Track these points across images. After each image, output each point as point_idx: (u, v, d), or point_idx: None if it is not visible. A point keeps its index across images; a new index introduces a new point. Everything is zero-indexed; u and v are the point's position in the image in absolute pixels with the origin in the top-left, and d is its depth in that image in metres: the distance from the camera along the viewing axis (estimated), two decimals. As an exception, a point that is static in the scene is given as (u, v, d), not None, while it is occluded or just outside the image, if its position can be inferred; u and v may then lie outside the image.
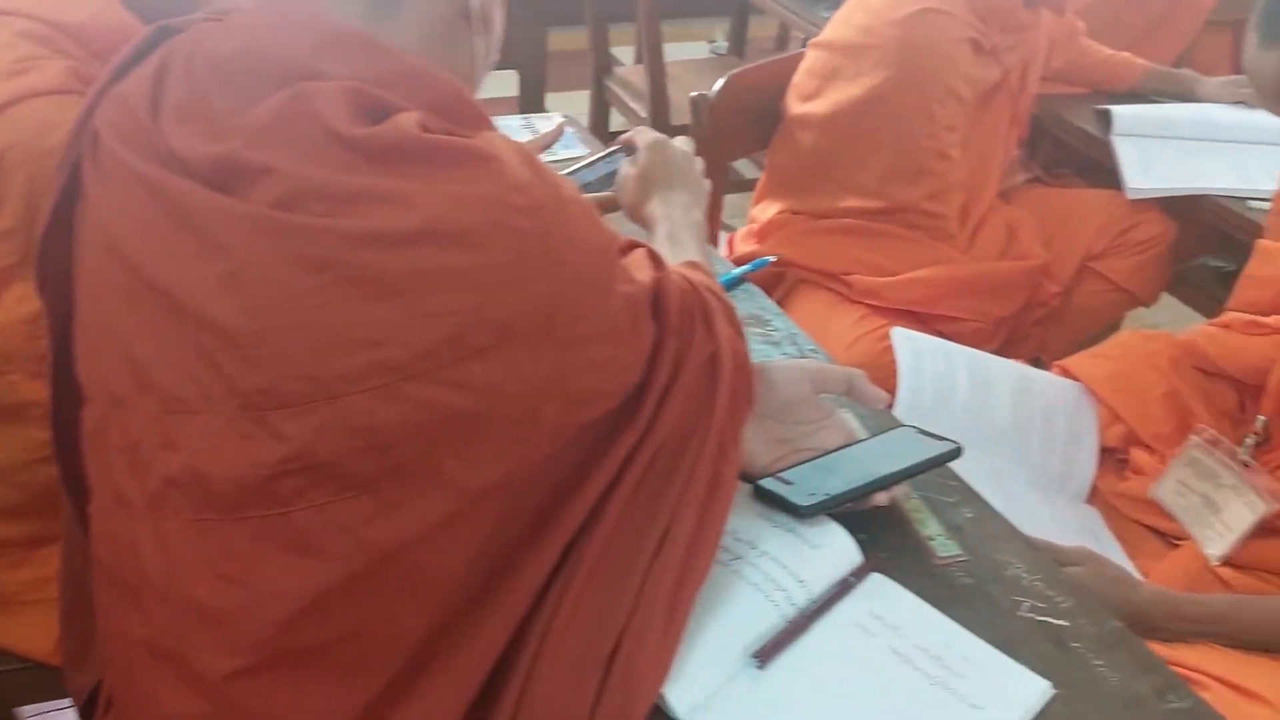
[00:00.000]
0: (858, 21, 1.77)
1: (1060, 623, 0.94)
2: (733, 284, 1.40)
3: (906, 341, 1.45)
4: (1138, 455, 1.41)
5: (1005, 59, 1.79)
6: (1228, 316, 1.41)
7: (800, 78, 1.86)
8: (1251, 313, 1.36)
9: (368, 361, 0.69)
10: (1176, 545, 1.34)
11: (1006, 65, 1.80)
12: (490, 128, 0.79)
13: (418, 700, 0.79)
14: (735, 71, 1.96)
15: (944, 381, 1.42)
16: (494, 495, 0.77)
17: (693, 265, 1.05)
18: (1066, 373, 1.51)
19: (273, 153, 0.70)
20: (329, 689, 0.77)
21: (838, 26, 1.81)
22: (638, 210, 1.22)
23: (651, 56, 2.71)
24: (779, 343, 1.30)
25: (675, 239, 1.15)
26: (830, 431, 1.06)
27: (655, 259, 0.90)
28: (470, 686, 0.80)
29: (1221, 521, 1.28)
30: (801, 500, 0.98)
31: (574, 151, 1.69)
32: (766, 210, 1.95)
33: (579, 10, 2.95)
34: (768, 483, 1.01)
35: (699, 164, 1.27)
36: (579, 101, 3.34)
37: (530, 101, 2.59)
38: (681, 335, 0.88)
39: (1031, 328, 1.89)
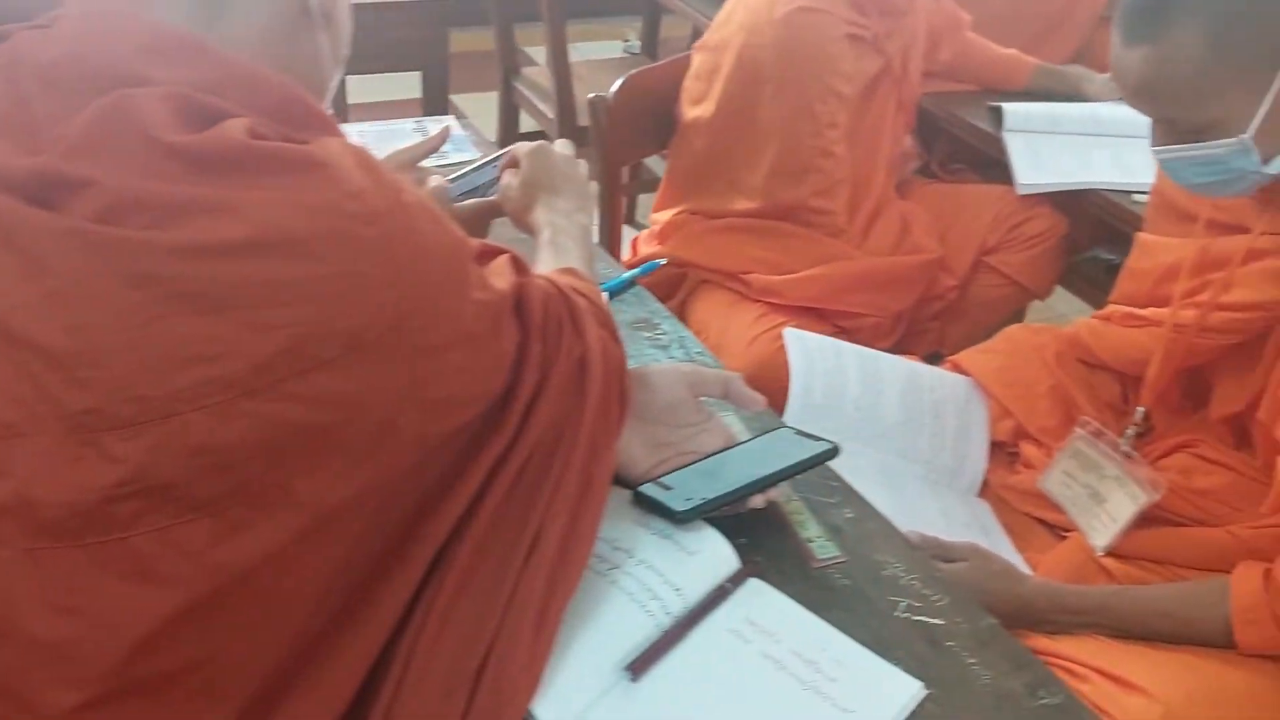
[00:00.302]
0: (738, 21, 1.77)
1: (935, 621, 0.95)
2: (623, 287, 1.39)
3: (797, 341, 1.46)
4: (1027, 448, 1.43)
5: (886, 47, 1.80)
6: (1109, 309, 1.43)
7: (689, 81, 1.85)
8: (1130, 305, 1.38)
9: (202, 378, 0.67)
10: (1064, 537, 1.36)
11: (888, 53, 1.81)
12: (332, 131, 0.77)
13: None
14: (633, 73, 1.95)
15: (834, 379, 1.43)
16: (351, 510, 0.75)
17: (568, 271, 1.05)
18: (958, 368, 1.53)
19: (92, 164, 0.67)
20: (182, 718, 0.74)
21: (719, 28, 1.81)
22: (522, 217, 1.21)
23: (556, 57, 2.69)
24: (667, 346, 1.29)
25: (558, 245, 1.14)
26: (710, 434, 1.06)
27: (518, 265, 0.89)
28: (335, 707, 0.78)
29: (1105, 512, 1.31)
30: (678, 505, 0.97)
31: (466, 155, 1.67)
32: (666, 212, 1.95)
33: (485, 11, 2.92)
34: (647, 488, 1.00)
35: (583, 166, 1.26)
36: (489, 103, 3.31)
37: (433, 103, 2.55)
38: (547, 339, 0.87)
39: (929, 322, 1.91)
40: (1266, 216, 1.15)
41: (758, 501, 1.00)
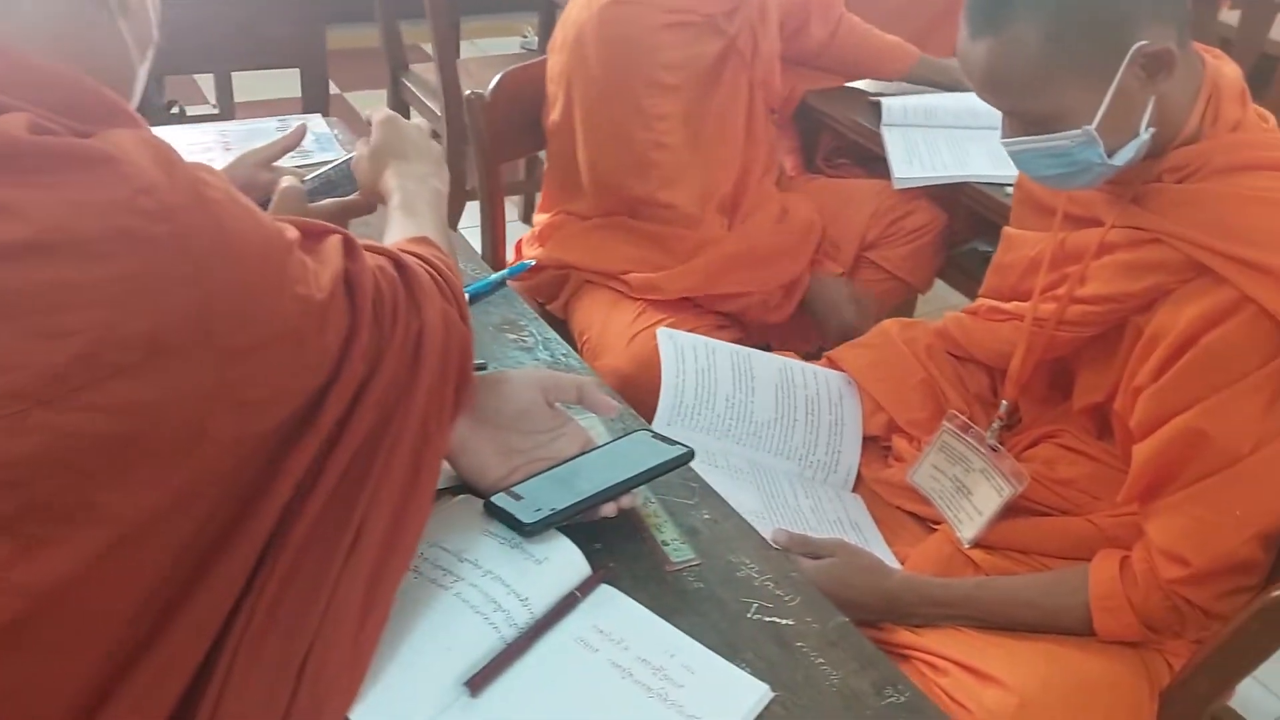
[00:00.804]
0: (570, 19, 1.76)
1: (786, 622, 0.94)
2: (490, 289, 1.36)
3: (669, 340, 1.44)
4: (899, 442, 1.44)
5: (726, 26, 1.77)
6: (977, 303, 1.44)
7: (547, 83, 1.83)
8: (996, 299, 1.39)
9: None
10: (934, 529, 1.36)
11: (730, 33, 1.78)
12: (130, 124, 0.72)
13: None
14: (510, 70, 1.92)
15: (706, 378, 1.42)
16: (163, 519, 0.71)
17: (420, 240, 1.02)
18: (833, 363, 1.53)
19: None
20: None
21: (560, 28, 1.79)
22: (374, 185, 1.18)
23: (443, 53, 2.64)
24: (532, 348, 1.27)
25: (410, 209, 1.11)
26: (566, 439, 1.04)
27: (349, 247, 0.85)
28: (161, 712, 0.75)
29: (972, 504, 1.31)
30: (526, 517, 0.95)
31: (331, 155, 1.63)
32: (545, 214, 1.92)
33: (371, 7, 2.86)
34: (498, 498, 0.98)
35: (436, 146, 1.24)
36: (379, 100, 3.25)
37: (313, 101, 2.48)
38: (380, 325, 0.85)
39: (809, 317, 1.91)
40: (1117, 209, 1.16)
41: (609, 510, 0.98)
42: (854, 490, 1.45)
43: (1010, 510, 1.30)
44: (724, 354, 1.46)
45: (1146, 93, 1.06)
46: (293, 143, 1.37)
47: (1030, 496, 1.30)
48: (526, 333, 1.30)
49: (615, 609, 0.92)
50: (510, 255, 1.98)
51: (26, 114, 0.66)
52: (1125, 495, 1.14)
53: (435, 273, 0.96)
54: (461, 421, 1.00)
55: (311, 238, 0.84)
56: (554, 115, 1.80)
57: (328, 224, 0.87)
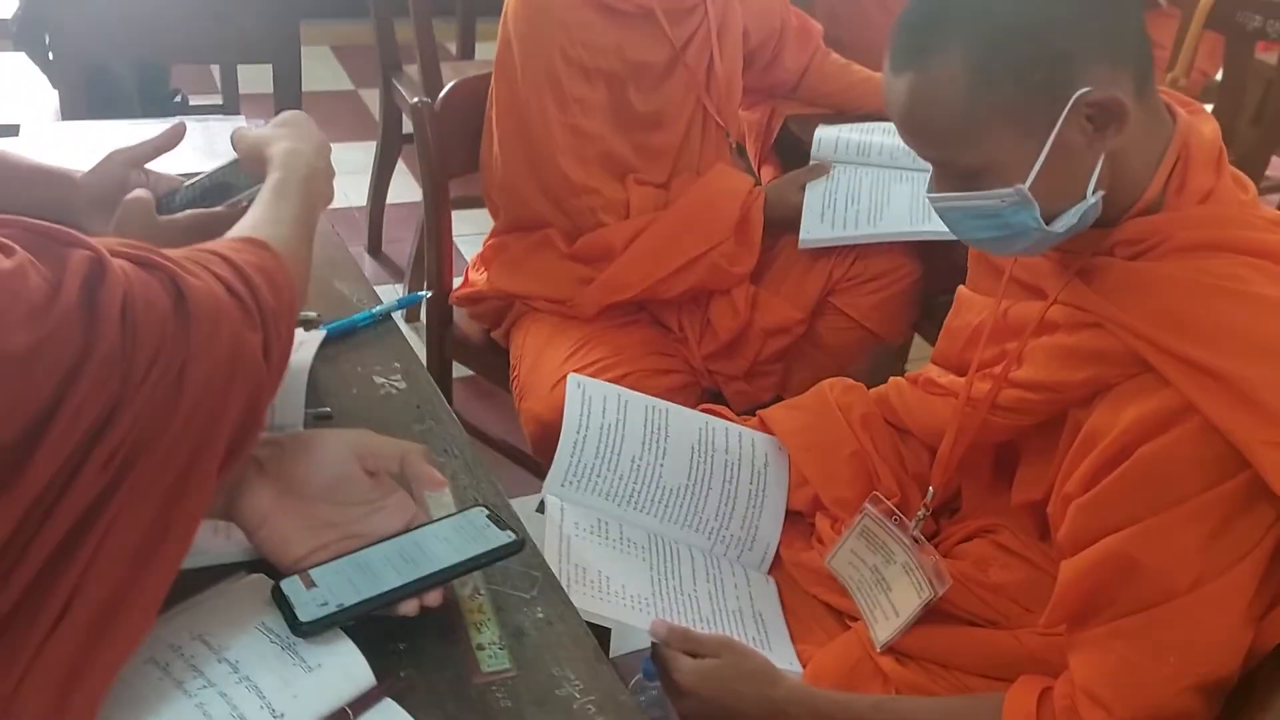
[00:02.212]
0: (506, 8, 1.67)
1: (596, 760, 0.79)
2: (374, 321, 1.22)
3: (576, 389, 1.30)
4: (821, 522, 1.28)
5: (671, 29, 1.65)
6: (918, 370, 1.28)
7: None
8: (944, 366, 1.23)
9: None
10: (850, 626, 1.20)
11: (677, 43, 1.66)
12: None
13: None
14: (463, 78, 1.79)
15: (612, 434, 1.27)
16: None
17: (249, 241, 0.88)
18: (764, 424, 1.37)
19: None
20: None
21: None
22: (260, 150, 1.05)
23: (425, 55, 2.52)
24: (406, 403, 1.12)
25: (283, 193, 0.99)
26: (387, 514, 0.90)
27: (96, 273, 0.71)
28: None
29: (890, 602, 1.15)
30: (306, 614, 0.81)
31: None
32: (492, 237, 1.79)
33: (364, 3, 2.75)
34: (286, 583, 0.84)
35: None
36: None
37: (286, 98, 2.37)
38: (126, 365, 0.71)
39: (772, 364, 1.75)
40: (1062, 281, 0.99)
41: (409, 609, 0.84)
42: (770, 572, 1.29)
43: (931, 614, 1.13)
44: (638, 407, 1.30)
45: (1094, 149, 0.90)
46: (166, 144, 1.23)
47: (955, 601, 1.13)
48: (399, 380, 1.16)
49: (391, 732, 0.78)
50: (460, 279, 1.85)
51: None
52: (1049, 617, 0.98)
53: (244, 289, 0.82)
54: (266, 490, 0.87)
55: (49, 261, 0.70)
56: (492, 113, 1.68)
57: (74, 236, 0.73)
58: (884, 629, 1.14)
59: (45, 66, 2.42)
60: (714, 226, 1.66)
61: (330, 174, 1.09)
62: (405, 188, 3.27)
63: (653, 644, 1.11)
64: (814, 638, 1.20)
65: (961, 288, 1.25)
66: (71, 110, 2.25)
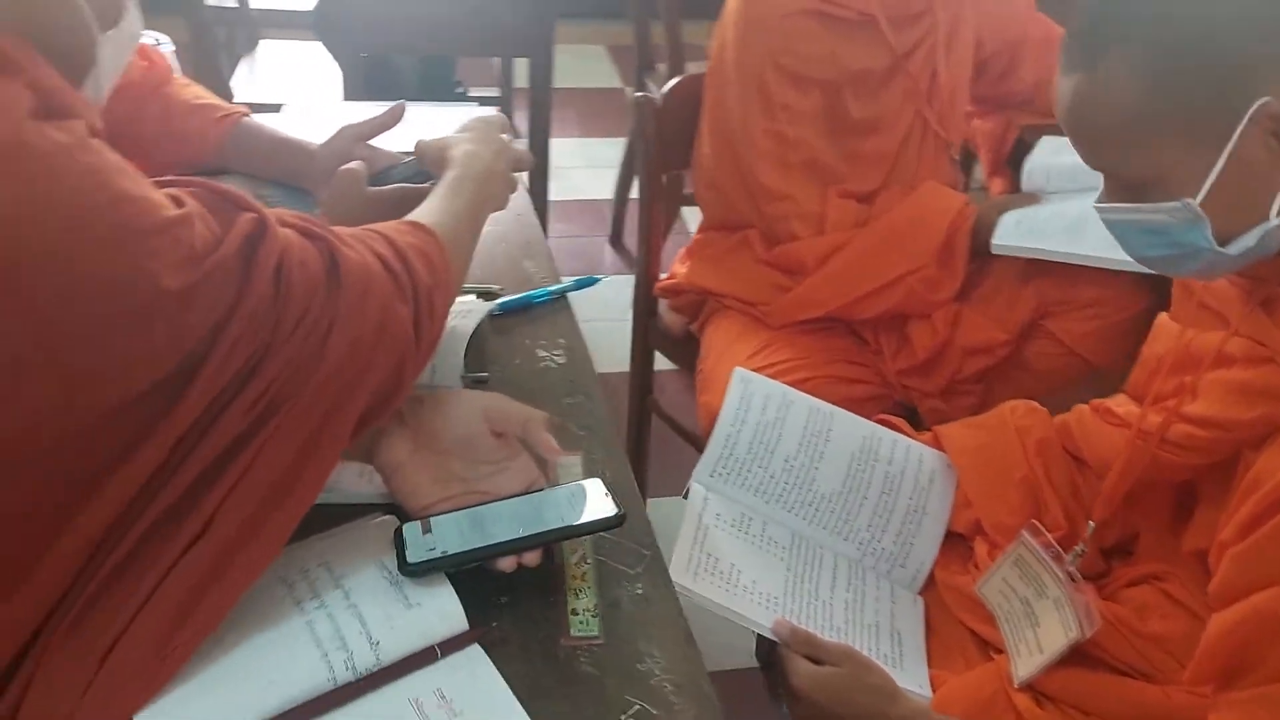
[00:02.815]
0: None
1: (660, 736, 0.80)
2: (546, 299, 1.28)
3: (740, 384, 1.30)
4: (979, 547, 1.22)
5: (894, 38, 1.60)
6: (1112, 398, 1.20)
7: None
8: (1132, 395, 1.15)
9: None
10: (994, 659, 1.14)
11: (899, 51, 1.61)
12: (15, 72, 0.72)
13: None
14: (686, 75, 1.82)
15: (769, 433, 1.26)
16: None
17: (414, 225, 0.96)
18: (937, 440, 1.32)
19: None
20: None
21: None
22: (443, 151, 1.13)
23: (673, 54, 2.59)
24: (557, 378, 1.17)
25: (457, 190, 1.07)
26: (510, 476, 0.95)
27: (258, 232, 0.80)
28: None
29: (1035, 637, 1.09)
30: (415, 555, 0.86)
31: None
32: (698, 232, 1.82)
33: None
34: (407, 527, 0.90)
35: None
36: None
37: (539, 91, 2.50)
38: (274, 321, 0.79)
39: (972, 384, 1.68)
40: (1245, 312, 0.90)
41: (507, 564, 0.88)
42: (922, 592, 1.24)
43: (1079, 657, 1.06)
44: (800, 409, 1.29)
45: (1278, 166, 0.82)
46: (387, 122, 1.34)
47: (1106, 647, 1.06)
48: (560, 356, 1.20)
49: (471, 675, 0.82)
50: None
51: None
52: (1191, 673, 0.89)
53: (399, 265, 0.89)
54: (404, 440, 0.94)
55: (221, 218, 0.79)
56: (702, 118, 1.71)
57: (245, 200, 0.82)
58: (1026, 665, 1.08)
59: (336, 54, 2.66)
60: (917, 247, 1.61)
61: (505, 177, 1.15)
62: (654, 184, 3.36)
63: (772, 644, 1.10)
64: (953, 665, 1.15)
65: (1162, 314, 1.16)
66: (351, 93, 2.48)
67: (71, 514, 0.76)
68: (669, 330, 1.90)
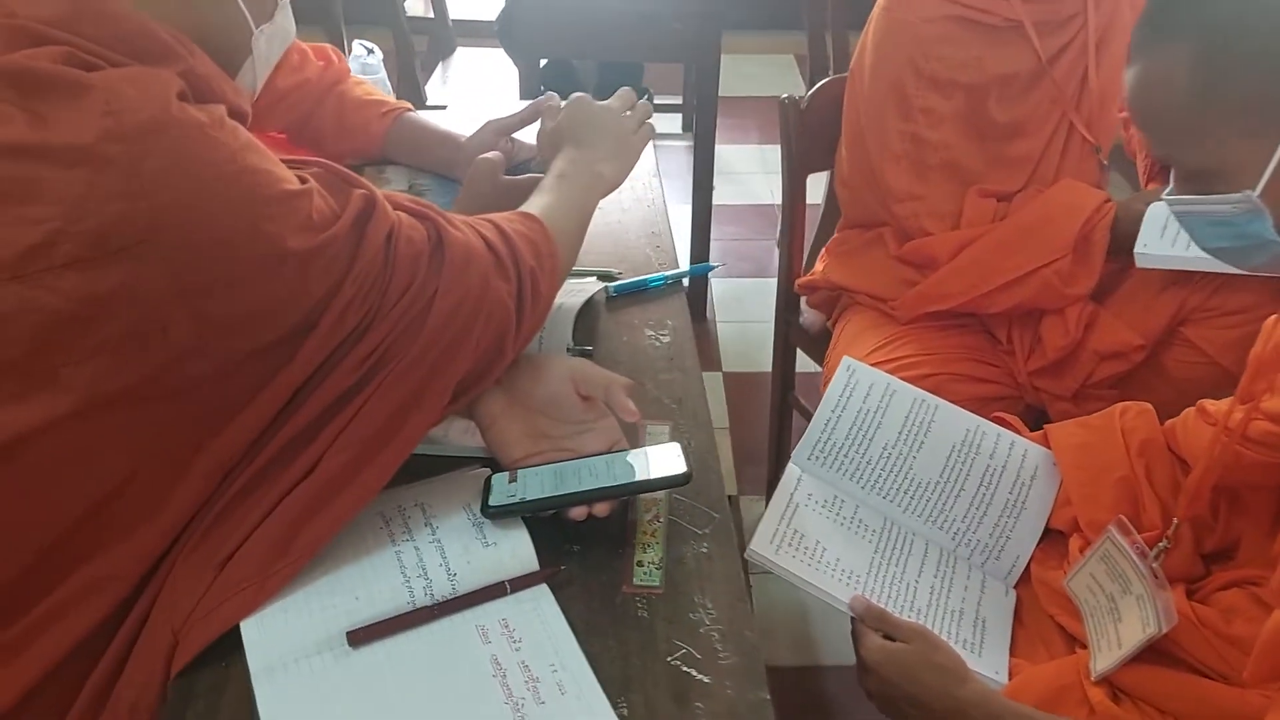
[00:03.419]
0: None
1: (701, 678, 0.86)
2: (663, 284, 1.35)
3: (845, 372, 1.34)
4: (1074, 543, 1.21)
5: (1040, 43, 1.58)
6: (1220, 401, 1.17)
7: None
8: (1240, 399, 1.12)
9: None
10: (1077, 653, 1.14)
11: (1045, 55, 1.58)
12: (172, 63, 0.85)
13: (68, 591, 0.87)
14: (834, 78, 1.86)
15: (869, 420, 1.30)
16: (128, 402, 0.83)
17: (522, 216, 1.06)
18: (1046, 438, 1.32)
19: None
20: None
21: None
22: (556, 140, 1.23)
23: (838, 62, 2.60)
24: (659, 356, 1.25)
25: (552, 189, 1.15)
26: (594, 435, 1.03)
27: (368, 207, 0.91)
28: (126, 580, 0.89)
29: (1116, 632, 1.08)
30: (495, 500, 0.96)
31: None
32: (837, 230, 1.86)
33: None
34: (496, 477, 1.00)
35: (631, 120, 1.26)
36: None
37: (704, 96, 2.58)
38: (381, 288, 0.90)
39: (1105, 389, 1.64)
40: (1327, 307, 0.89)
41: (578, 514, 0.96)
42: (1017, 586, 1.25)
43: (1160, 656, 1.05)
44: (904, 399, 1.32)
45: None
46: (529, 117, 1.45)
47: (1188, 648, 1.04)
48: (666, 335, 1.28)
49: (534, 610, 0.90)
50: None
51: (66, 48, 0.80)
52: (1251, 669, 0.89)
53: (504, 246, 0.99)
54: (500, 397, 1.03)
55: (337, 195, 0.91)
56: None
57: (359, 180, 0.93)
58: (1105, 658, 1.08)
59: (515, 59, 2.83)
60: (1051, 242, 1.59)
61: (617, 157, 1.22)
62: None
63: (851, 619, 1.14)
64: (1037, 656, 1.16)
65: (1272, 317, 1.13)
66: (527, 94, 2.63)
67: (202, 447, 0.89)
68: (810, 327, 1.95)
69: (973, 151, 1.67)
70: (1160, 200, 1.56)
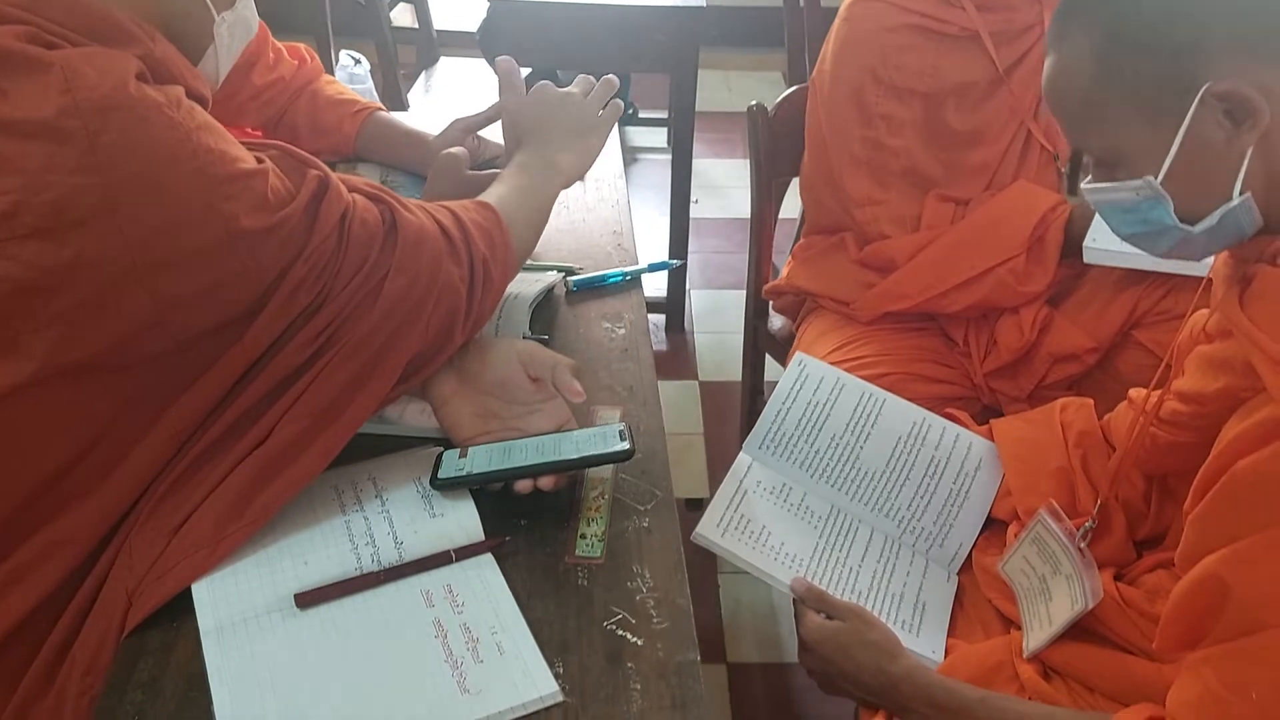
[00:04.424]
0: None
1: (633, 640, 0.90)
2: (622, 280, 1.40)
3: (797, 365, 1.38)
4: (1012, 529, 1.26)
5: (995, 53, 1.63)
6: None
7: None
8: (1157, 384, 1.16)
9: None
10: (1012, 634, 1.18)
11: (1001, 66, 1.64)
12: (127, 45, 0.89)
13: (29, 553, 0.91)
14: (801, 87, 1.91)
15: (818, 412, 1.34)
16: (86, 372, 0.88)
17: (478, 203, 1.10)
18: (992, 432, 1.37)
19: None
20: None
21: None
22: (516, 130, 1.26)
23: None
24: (614, 348, 1.29)
25: (508, 178, 1.18)
26: (542, 416, 1.07)
27: (322, 188, 0.95)
28: (79, 548, 0.93)
29: (1049, 611, 1.12)
30: (444, 473, 1.00)
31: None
32: (801, 236, 1.91)
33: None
34: (447, 453, 1.04)
35: (590, 105, 1.28)
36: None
37: (683, 109, 2.64)
38: (335, 265, 0.94)
39: (1062, 391, 1.68)
40: (1225, 290, 0.93)
41: (523, 486, 1.00)
42: (960, 573, 1.29)
43: (1088, 635, 1.10)
44: (852, 392, 1.36)
45: (1235, 146, 0.85)
46: (493, 116, 1.49)
47: (1113, 627, 1.08)
48: (622, 329, 1.32)
49: (478, 576, 0.94)
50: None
51: (29, 27, 0.85)
52: (1158, 640, 0.92)
53: (458, 232, 1.03)
54: (451, 378, 1.07)
55: (292, 176, 0.95)
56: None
57: (314, 161, 0.97)
58: (1037, 636, 1.12)
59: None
60: (1006, 241, 1.64)
61: (576, 147, 1.25)
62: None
63: (793, 600, 1.18)
64: (974, 638, 1.20)
65: (1201, 309, 1.17)
66: (508, 105, 2.68)
67: (158, 416, 0.93)
68: (778, 333, 1.99)
69: (932, 158, 1.72)
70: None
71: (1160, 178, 0.87)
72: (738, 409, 2.33)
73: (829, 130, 1.72)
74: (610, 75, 1.32)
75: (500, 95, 1.30)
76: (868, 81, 1.67)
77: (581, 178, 1.27)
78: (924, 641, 1.17)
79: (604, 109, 1.29)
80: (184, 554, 0.91)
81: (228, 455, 0.95)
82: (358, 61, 2.14)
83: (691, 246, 3.07)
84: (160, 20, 0.95)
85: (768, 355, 2.08)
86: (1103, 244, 1.56)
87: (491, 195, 1.15)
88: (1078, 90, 0.90)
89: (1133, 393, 1.17)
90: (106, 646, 0.90)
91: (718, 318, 3.09)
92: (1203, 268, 1.49)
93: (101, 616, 0.91)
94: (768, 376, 2.12)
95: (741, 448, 1.34)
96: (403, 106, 2.97)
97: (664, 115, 3.93)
